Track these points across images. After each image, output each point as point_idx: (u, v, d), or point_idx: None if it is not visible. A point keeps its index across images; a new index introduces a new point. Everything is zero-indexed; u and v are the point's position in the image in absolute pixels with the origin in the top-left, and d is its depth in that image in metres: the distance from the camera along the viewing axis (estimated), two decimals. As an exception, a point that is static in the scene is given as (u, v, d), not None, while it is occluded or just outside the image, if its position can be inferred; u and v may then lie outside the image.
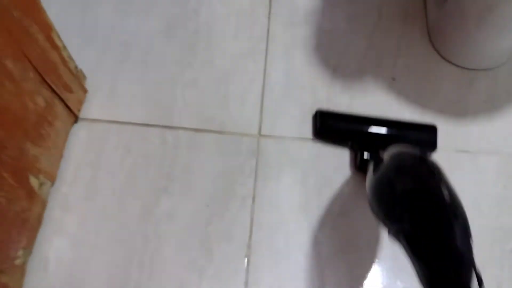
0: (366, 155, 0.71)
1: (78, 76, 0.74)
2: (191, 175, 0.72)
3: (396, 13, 0.88)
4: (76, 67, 0.73)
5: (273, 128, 0.77)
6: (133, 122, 0.76)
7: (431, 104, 0.80)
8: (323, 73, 0.82)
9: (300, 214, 0.70)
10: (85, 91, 0.76)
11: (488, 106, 0.79)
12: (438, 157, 0.75)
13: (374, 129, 0.73)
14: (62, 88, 0.67)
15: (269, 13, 0.88)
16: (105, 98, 0.78)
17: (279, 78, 0.82)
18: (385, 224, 0.49)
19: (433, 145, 0.75)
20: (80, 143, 0.74)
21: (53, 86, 0.64)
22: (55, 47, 0.65)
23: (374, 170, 0.57)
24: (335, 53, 0.84)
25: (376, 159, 0.60)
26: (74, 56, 0.76)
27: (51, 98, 0.65)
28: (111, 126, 0.75)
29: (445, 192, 0.46)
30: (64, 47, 0.69)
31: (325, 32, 0.86)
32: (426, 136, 0.75)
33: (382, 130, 0.73)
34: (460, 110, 0.79)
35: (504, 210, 0.73)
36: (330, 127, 0.75)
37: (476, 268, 0.40)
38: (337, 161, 0.74)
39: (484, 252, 0.69)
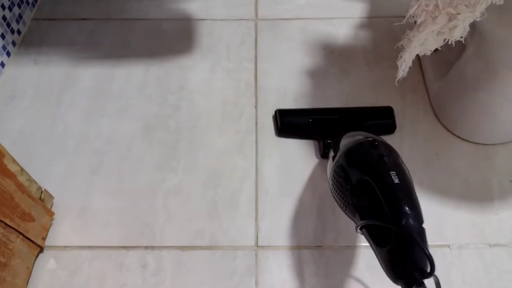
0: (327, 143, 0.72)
1: (42, 199, 0.64)
2: (179, 308, 0.60)
3: (393, 90, 0.80)
4: (39, 188, 0.64)
5: (273, 236, 0.66)
6: (108, 246, 0.65)
7: (450, 191, 0.69)
8: (322, 162, 0.73)
9: None
10: (51, 214, 0.66)
11: (517, 187, 0.69)
12: (469, 254, 0.63)
13: (331, 117, 0.76)
14: (19, 219, 0.57)
15: (256, 102, 0.80)
16: (75, 219, 0.67)
17: (273, 174, 0.72)
18: (348, 217, 0.54)
19: (391, 127, 0.76)
20: (46, 277, 0.62)
21: (6, 221, 0.54)
22: (9, 175, 0.55)
23: (333, 158, 0.59)
24: (333, 139, 0.75)
25: (335, 147, 0.61)
26: (40, 172, 0.67)
27: (3, 235, 0.54)
28: (82, 253, 0.64)
29: (395, 179, 0.48)
30: (22, 170, 0.59)
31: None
32: (384, 118, 0.77)
33: (339, 117, 0.76)
34: (485, 195, 0.69)
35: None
36: (289, 122, 0.77)
37: (427, 251, 0.42)
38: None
39: None
